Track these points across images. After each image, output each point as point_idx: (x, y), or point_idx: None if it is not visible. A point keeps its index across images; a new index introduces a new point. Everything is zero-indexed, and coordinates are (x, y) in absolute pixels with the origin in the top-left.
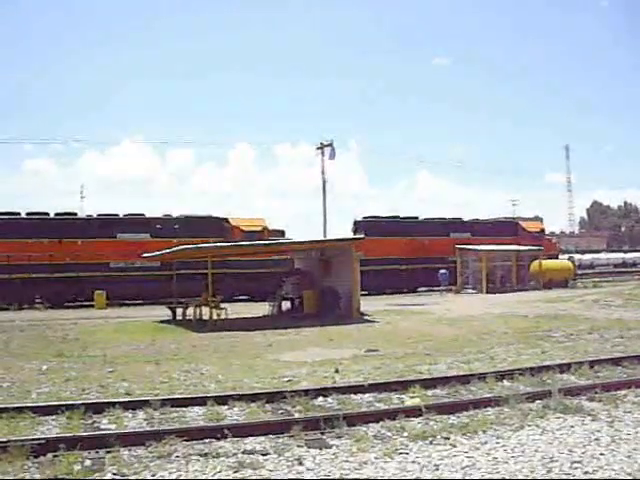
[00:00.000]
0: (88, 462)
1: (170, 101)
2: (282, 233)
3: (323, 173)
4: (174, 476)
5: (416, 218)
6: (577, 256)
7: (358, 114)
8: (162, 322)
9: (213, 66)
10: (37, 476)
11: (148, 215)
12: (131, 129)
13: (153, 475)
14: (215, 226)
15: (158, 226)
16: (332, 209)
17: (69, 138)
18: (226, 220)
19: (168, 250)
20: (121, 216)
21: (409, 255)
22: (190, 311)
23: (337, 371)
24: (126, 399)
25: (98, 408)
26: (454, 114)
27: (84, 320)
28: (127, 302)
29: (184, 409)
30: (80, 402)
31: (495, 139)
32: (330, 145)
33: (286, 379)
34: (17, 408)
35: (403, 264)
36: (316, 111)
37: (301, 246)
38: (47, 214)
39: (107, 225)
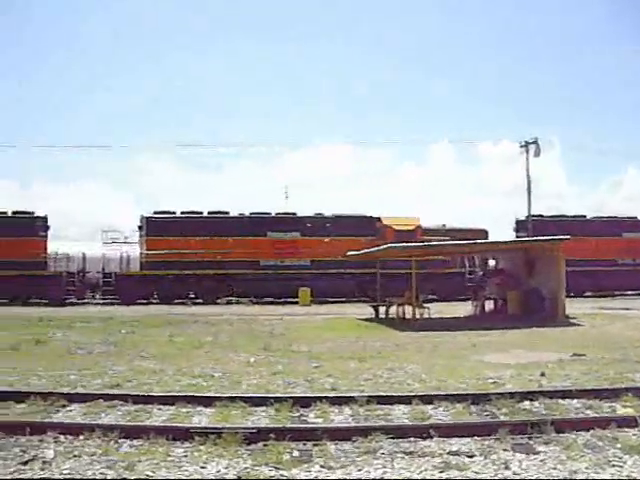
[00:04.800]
0: (296, 453)
1: (370, 100)
2: (485, 233)
3: (528, 172)
4: (379, 472)
5: (584, 217)
6: None
7: (560, 110)
8: (365, 320)
9: (408, 65)
10: (249, 462)
11: (300, 214)
12: (332, 129)
13: (359, 470)
14: (367, 225)
15: (309, 224)
16: (534, 208)
17: (272, 140)
18: (378, 219)
19: (373, 249)
20: (272, 214)
21: (574, 256)
22: (393, 309)
23: (543, 374)
24: (332, 394)
25: (305, 402)
26: None
27: (288, 316)
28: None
29: (389, 407)
30: (288, 395)
31: None
32: (535, 143)
33: (491, 381)
34: (229, 397)
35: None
36: (518, 109)
37: (505, 246)
38: (200, 213)
39: (258, 223)
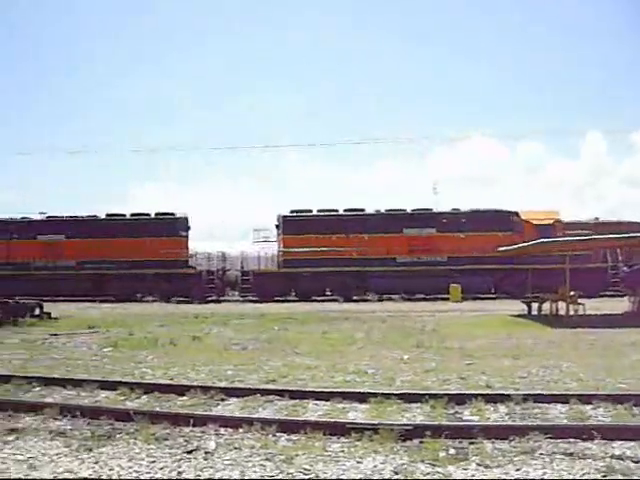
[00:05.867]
0: (452, 450)
1: (520, 94)
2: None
3: None
4: (539, 473)
5: None
6: None
7: None
8: (517, 316)
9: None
10: (406, 458)
11: (435, 210)
12: (482, 123)
13: (517, 470)
14: (503, 220)
15: (444, 220)
16: None
17: (420, 136)
18: (516, 214)
19: (525, 244)
20: (408, 211)
21: None
22: (546, 306)
23: None
24: (487, 392)
25: (460, 399)
26: None
27: (440, 313)
28: (475, 296)
29: (546, 405)
30: (442, 392)
31: None
32: None
33: None
34: (384, 394)
35: None
36: None
37: None
38: (336, 210)
39: (393, 220)
